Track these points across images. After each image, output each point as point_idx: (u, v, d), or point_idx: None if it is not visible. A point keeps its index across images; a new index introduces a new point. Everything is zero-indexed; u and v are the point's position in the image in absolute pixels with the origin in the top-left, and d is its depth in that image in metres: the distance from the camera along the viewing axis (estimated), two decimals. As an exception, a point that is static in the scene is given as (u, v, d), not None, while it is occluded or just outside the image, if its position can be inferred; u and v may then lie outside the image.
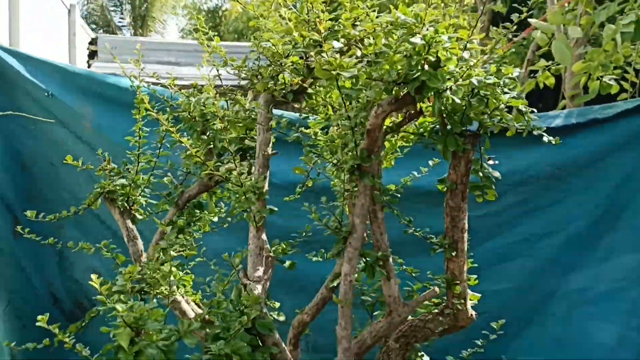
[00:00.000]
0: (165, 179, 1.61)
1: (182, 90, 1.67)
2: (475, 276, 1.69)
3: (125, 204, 1.58)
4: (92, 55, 12.90)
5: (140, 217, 1.60)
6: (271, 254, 1.52)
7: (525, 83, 2.66)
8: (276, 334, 1.45)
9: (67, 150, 2.32)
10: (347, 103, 1.41)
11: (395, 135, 1.63)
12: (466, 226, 1.57)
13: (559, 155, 2.41)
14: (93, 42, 12.55)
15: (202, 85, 1.63)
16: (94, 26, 18.16)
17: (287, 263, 1.55)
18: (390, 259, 1.49)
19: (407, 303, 1.48)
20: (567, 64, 2.34)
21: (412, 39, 1.25)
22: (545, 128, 1.41)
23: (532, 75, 2.69)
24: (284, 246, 1.56)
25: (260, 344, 1.42)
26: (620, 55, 2.74)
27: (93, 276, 1.32)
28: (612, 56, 2.69)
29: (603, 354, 2.42)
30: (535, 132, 1.40)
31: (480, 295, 1.67)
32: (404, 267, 1.76)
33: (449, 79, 1.28)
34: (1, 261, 2.23)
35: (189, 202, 1.63)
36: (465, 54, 1.32)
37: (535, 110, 1.38)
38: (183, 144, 1.52)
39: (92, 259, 2.35)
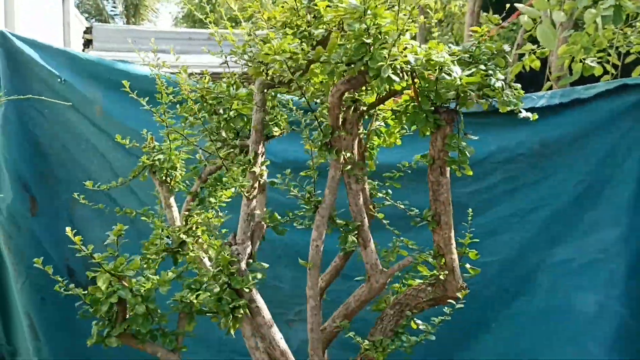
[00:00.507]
0: (197, 155, 1.73)
1: (192, 77, 1.80)
2: (475, 250, 1.79)
3: (163, 176, 1.72)
4: (87, 44, 12.92)
5: (175, 188, 1.74)
6: (261, 221, 1.65)
7: (513, 66, 2.78)
8: (253, 291, 1.55)
9: (79, 133, 2.49)
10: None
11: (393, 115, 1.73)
12: (449, 199, 1.63)
13: (545, 134, 2.50)
14: (88, 31, 12.54)
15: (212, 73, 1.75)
16: (86, 15, 18.08)
17: (280, 229, 1.67)
18: (367, 228, 1.59)
19: (385, 270, 1.60)
20: (552, 47, 2.44)
21: (353, 24, 1.35)
22: (521, 104, 1.49)
23: (520, 58, 2.79)
24: (274, 215, 1.67)
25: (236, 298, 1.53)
26: (604, 39, 2.85)
27: (68, 229, 1.48)
28: (595, 40, 2.81)
29: (585, 322, 2.50)
30: (509, 108, 1.48)
31: (480, 269, 1.78)
32: (402, 238, 1.83)
33: (387, 58, 1.34)
34: (20, 238, 2.33)
35: (210, 175, 1.76)
36: (408, 36, 1.41)
37: (512, 86, 1.47)
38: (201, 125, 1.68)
39: (103, 234, 2.53)
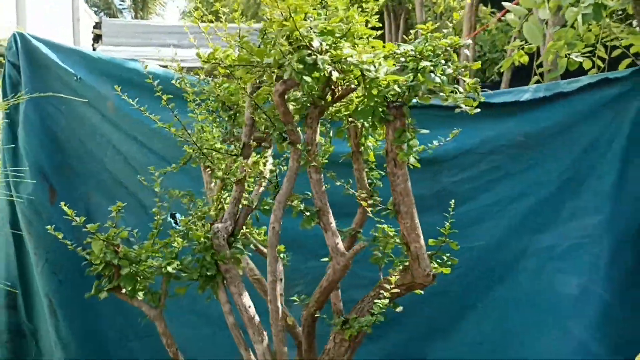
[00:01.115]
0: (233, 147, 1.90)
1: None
2: (455, 242, 1.87)
3: (206, 161, 1.91)
4: (97, 38, 13.07)
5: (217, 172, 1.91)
6: (249, 205, 1.84)
7: (504, 60, 2.89)
8: (230, 264, 1.78)
9: (93, 127, 2.61)
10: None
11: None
12: (407, 190, 1.68)
13: (528, 126, 2.58)
14: (97, 26, 12.70)
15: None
16: (95, 9, 18.20)
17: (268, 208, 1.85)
18: (327, 213, 1.71)
19: (345, 253, 1.71)
20: (538, 43, 2.54)
21: (276, 29, 1.48)
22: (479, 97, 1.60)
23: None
24: (265, 200, 1.87)
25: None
26: (591, 34, 2.96)
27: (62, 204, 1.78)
28: (583, 35, 2.91)
29: (568, 304, 2.57)
30: (446, 103, 1.58)
31: (449, 268, 1.86)
32: (384, 225, 1.90)
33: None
34: (39, 224, 2.43)
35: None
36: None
37: (457, 85, 1.57)
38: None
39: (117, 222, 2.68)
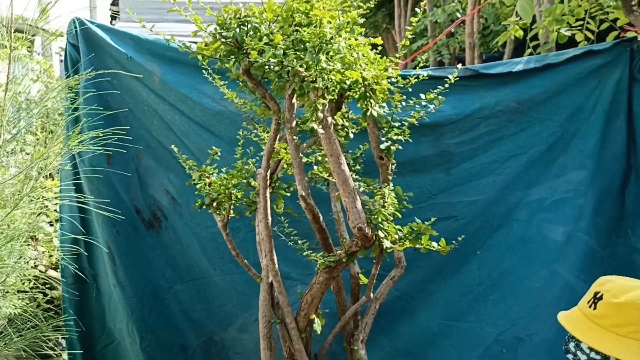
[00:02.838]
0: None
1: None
2: (435, 232, 2.03)
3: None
4: (114, 16, 13.29)
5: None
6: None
7: (501, 35, 3.18)
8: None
9: (141, 98, 2.83)
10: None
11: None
12: (339, 165, 1.86)
13: (521, 94, 2.75)
14: (114, 3, 12.90)
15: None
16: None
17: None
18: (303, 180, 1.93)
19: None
20: (529, 19, 2.83)
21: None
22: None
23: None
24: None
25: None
26: (581, 9, 3.22)
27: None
28: (574, 10, 3.18)
29: (555, 249, 2.79)
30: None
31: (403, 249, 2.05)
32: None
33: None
34: (99, 182, 2.72)
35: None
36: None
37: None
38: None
39: (162, 180, 2.91)
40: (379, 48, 2.00)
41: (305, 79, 1.69)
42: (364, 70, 1.77)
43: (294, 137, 1.88)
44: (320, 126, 1.79)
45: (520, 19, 3.00)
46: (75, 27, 2.72)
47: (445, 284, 2.94)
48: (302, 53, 1.69)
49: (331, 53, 1.71)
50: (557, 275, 2.80)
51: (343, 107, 2.11)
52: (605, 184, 2.77)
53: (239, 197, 2.28)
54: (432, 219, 2.05)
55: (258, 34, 1.74)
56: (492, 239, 2.88)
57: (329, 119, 1.85)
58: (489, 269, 2.88)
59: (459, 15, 5.39)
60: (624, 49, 2.69)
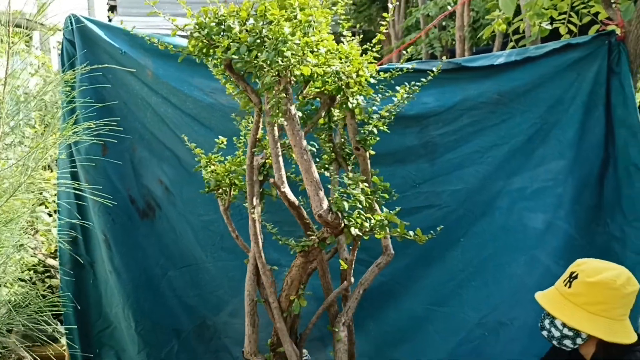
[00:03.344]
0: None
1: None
2: (407, 223, 2.10)
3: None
4: (112, 9, 13.36)
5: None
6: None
7: (485, 29, 3.26)
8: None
9: (135, 92, 2.91)
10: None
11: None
12: (302, 155, 1.96)
13: (502, 86, 2.80)
14: (112, -4, 12.81)
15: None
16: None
17: None
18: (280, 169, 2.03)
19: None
20: (510, 14, 2.91)
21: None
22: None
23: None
24: None
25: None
26: (564, 3, 3.30)
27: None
28: (556, 4, 3.25)
29: (535, 236, 2.86)
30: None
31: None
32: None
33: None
34: (95, 172, 2.81)
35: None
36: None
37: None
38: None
39: (156, 171, 2.99)
40: (352, 40, 2.09)
41: (268, 73, 1.79)
42: (339, 64, 1.86)
43: (273, 129, 1.97)
44: (284, 118, 1.89)
45: (504, 13, 3.09)
46: (72, 24, 2.81)
47: (430, 270, 3.03)
48: (262, 49, 1.82)
49: (286, 49, 1.80)
50: (537, 262, 2.87)
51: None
52: (584, 173, 2.83)
53: (237, 183, 2.39)
54: (397, 209, 2.14)
55: (232, 31, 1.84)
56: (475, 227, 2.95)
57: (292, 111, 1.94)
58: (472, 256, 2.96)
59: (450, 8, 5.46)
60: (603, 42, 2.74)
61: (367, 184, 2.08)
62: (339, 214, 1.95)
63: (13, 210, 2.00)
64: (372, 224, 2.00)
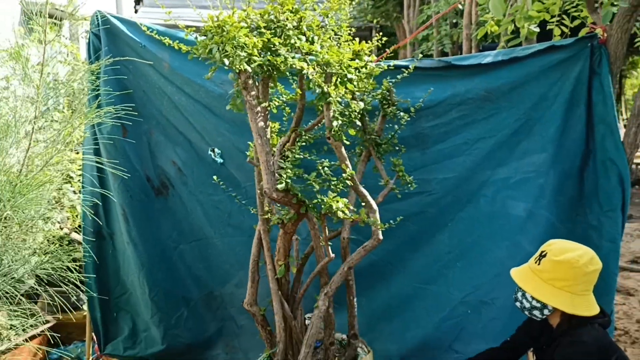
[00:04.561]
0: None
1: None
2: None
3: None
4: (138, 0, 13.65)
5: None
6: None
7: (478, 30, 3.45)
8: None
9: (153, 82, 3.16)
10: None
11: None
12: (260, 143, 2.22)
13: (490, 83, 2.96)
14: (138, -12, 13.07)
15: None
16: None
17: None
18: (267, 153, 2.22)
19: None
20: (500, 16, 3.08)
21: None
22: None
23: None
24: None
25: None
26: (556, 6, 3.46)
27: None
28: (548, 8, 3.42)
29: (518, 224, 3.03)
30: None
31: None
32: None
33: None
34: (115, 153, 3.06)
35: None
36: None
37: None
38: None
39: (170, 153, 3.25)
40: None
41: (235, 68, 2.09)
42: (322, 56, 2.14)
43: (262, 119, 2.23)
44: (247, 107, 2.14)
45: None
46: (98, 20, 3.09)
47: (419, 251, 3.24)
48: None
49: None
50: (519, 247, 3.03)
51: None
52: (566, 166, 2.97)
53: None
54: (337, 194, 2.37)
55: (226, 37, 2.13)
56: (461, 213, 3.13)
57: (254, 102, 2.18)
58: (458, 240, 3.15)
59: (460, 6, 5.62)
60: (585, 45, 2.88)
61: (328, 170, 2.32)
62: (289, 194, 2.19)
63: (41, 182, 2.26)
64: (325, 207, 2.22)
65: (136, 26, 3.10)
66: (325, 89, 2.16)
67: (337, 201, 2.22)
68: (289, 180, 2.13)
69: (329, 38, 2.32)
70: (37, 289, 2.80)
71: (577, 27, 3.47)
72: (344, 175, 2.34)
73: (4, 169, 2.03)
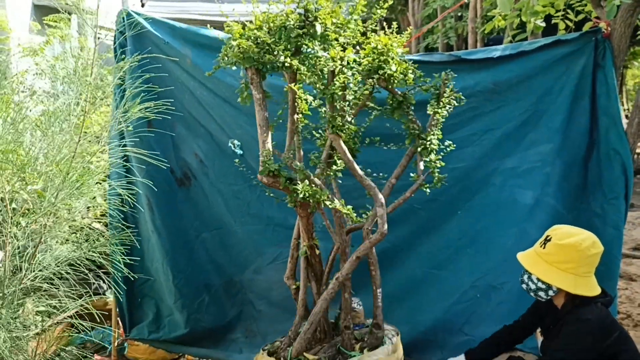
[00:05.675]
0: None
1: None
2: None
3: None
4: (146, -4, 13.57)
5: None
6: None
7: (486, 24, 3.57)
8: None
9: (176, 77, 3.28)
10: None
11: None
12: (261, 132, 2.44)
13: (498, 77, 3.04)
14: (146, -17, 13.10)
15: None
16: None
17: None
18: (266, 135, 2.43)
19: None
20: (507, 11, 3.18)
21: None
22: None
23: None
24: None
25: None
26: (561, 1, 3.59)
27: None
28: (553, 3, 3.54)
29: (525, 212, 3.11)
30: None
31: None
32: None
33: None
34: (141, 145, 3.11)
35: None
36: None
37: None
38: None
39: (192, 145, 3.37)
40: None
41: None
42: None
43: (262, 110, 2.43)
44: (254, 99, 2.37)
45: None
46: (123, 18, 3.23)
47: (429, 238, 3.36)
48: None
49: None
50: (525, 234, 3.09)
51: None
52: (571, 156, 3.05)
53: None
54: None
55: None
56: (471, 201, 3.23)
57: (258, 96, 2.40)
58: (468, 227, 3.24)
59: (466, 0, 5.73)
60: (589, 39, 2.96)
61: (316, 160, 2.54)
62: (278, 179, 2.40)
63: (94, 173, 2.39)
64: (306, 193, 2.39)
65: (160, 24, 3.25)
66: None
67: (315, 190, 2.40)
68: (271, 168, 2.33)
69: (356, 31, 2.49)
70: (86, 274, 2.92)
71: (581, 21, 3.63)
72: (333, 167, 2.51)
73: (55, 160, 2.17)
